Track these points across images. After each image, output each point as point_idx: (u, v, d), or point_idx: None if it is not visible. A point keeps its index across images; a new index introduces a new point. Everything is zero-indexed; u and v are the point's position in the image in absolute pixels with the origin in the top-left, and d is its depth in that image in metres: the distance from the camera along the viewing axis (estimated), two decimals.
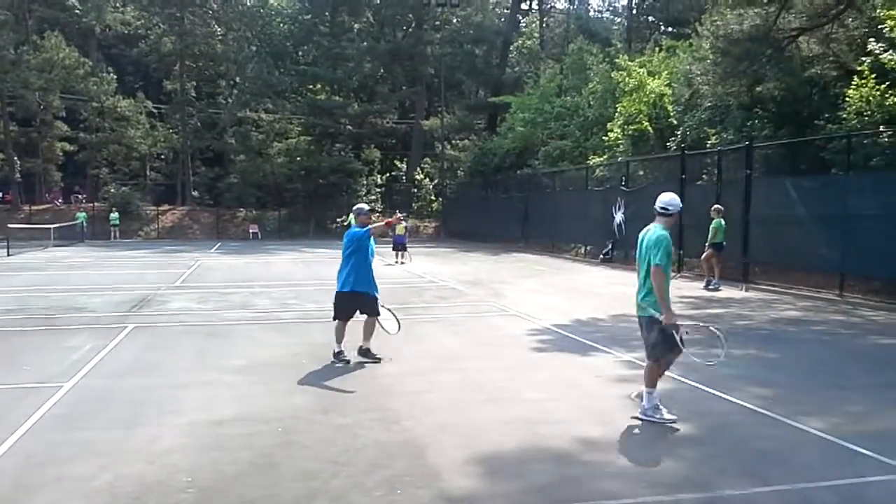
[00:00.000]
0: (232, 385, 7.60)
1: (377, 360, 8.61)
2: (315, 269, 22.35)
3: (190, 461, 5.32)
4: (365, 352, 8.71)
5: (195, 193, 51.09)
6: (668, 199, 6.25)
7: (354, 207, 9.37)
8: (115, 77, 50.29)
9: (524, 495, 4.74)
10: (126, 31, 53.19)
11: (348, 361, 8.54)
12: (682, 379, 7.79)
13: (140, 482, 4.92)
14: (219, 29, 52.75)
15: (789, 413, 6.36)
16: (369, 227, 8.82)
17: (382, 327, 8.93)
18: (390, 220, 9.15)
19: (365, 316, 8.84)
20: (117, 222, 42.29)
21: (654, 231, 6.19)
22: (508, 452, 5.52)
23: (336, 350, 8.67)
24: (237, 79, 52.90)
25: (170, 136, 52.22)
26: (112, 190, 46.19)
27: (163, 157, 54.68)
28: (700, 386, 7.33)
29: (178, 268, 22.17)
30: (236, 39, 52.50)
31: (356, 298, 8.71)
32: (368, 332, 8.79)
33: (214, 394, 7.24)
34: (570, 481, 4.95)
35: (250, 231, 44.06)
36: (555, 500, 4.65)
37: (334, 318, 8.84)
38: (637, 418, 6.23)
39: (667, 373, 8.05)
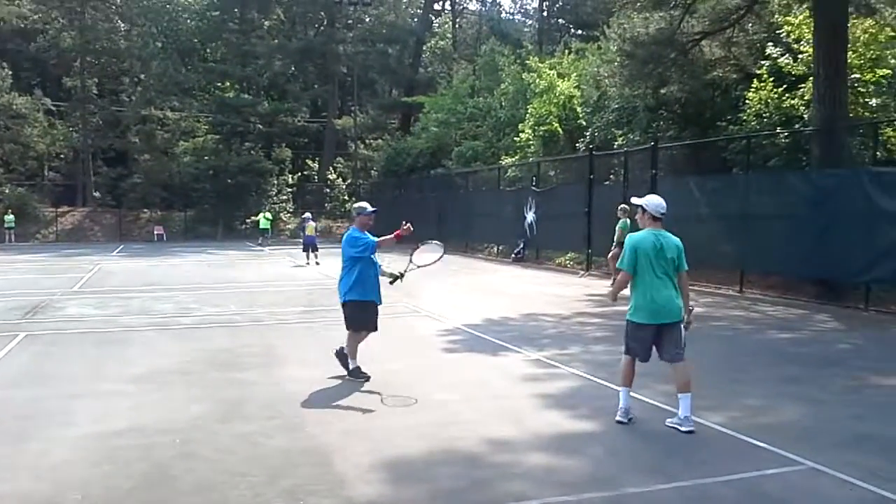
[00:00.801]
0: (128, 394, 7.26)
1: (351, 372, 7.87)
2: (222, 272, 21.83)
3: (81, 476, 5.04)
4: (341, 354, 8.02)
5: (97, 194, 49.16)
6: (663, 203, 6.18)
7: (356, 205, 8.24)
8: (10, 73, 47.80)
9: (431, 500, 4.66)
10: (22, 25, 50.59)
11: (368, 378, 7.77)
12: (589, 376, 7.87)
13: (26, 500, 4.64)
14: (122, 24, 50.90)
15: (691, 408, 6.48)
16: (376, 240, 7.84)
17: (423, 264, 8.09)
18: (399, 232, 7.77)
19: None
20: (13, 225, 40.30)
21: (667, 236, 6.12)
22: (416, 456, 5.43)
23: (352, 366, 7.91)
24: (142, 76, 51.12)
25: (69, 134, 49.98)
26: (7, 191, 43.96)
27: (62, 156, 52.15)
28: (606, 383, 7.41)
29: (77, 272, 21.27)
30: (141, 35, 50.75)
31: (367, 307, 7.94)
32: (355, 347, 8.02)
33: (109, 404, 6.90)
34: (478, 484, 4.89)
35: (155, 233, 42.72)
36: None
37: (347, 328, 8.00)
38: (688, 431, 5.89)
39: (574, 371, 8.16)
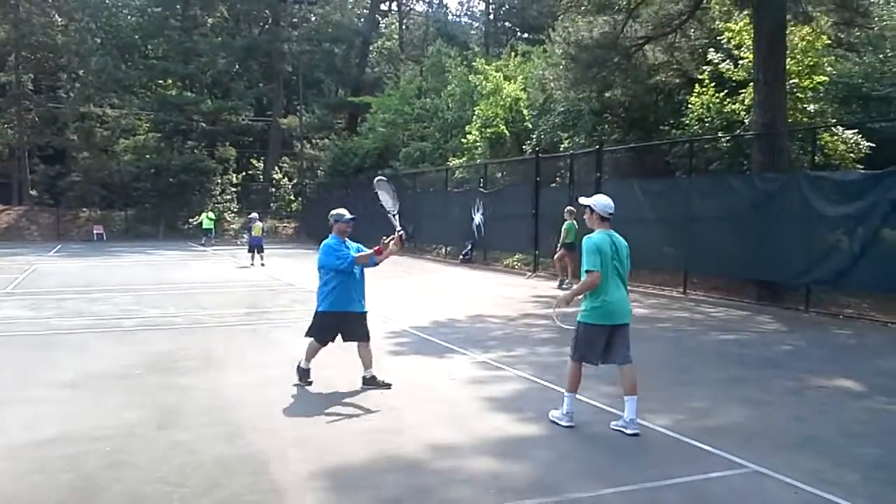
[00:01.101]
0: (58, 401, 6.95)
1: (387, 386, 7.39)
2: (162, 272, 21.29)
3: (4, 489, 4.78)
4: (370, 380, 7.46)
5: (33, 193, 47.64)
6: (611, 203, 6.15)
7: (333, 212, 7.67)
8: None
9: None
10: None
11: (311, 383, 7.54)
12: (535, 379, 7.82)
13: None
14: (59, 19, 49.40)
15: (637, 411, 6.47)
16: (354, 256, 7.36)
17: (395, 206, 7.84)
18: (379, 247, 7.41)
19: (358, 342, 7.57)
20: None
21: (618, 238, 6.13)
22: (358, 464, 5.28)
23: (303, 366, 7.61)
24: (80, 72, 49.68)
25: (4, 131, 48.35)
26: None
27: None
28: (552, 385, 7.37)
29: (10, 273, 20.52)
30: (78, 30, 49.33)
31: (342, 319, 7.44)
32: (367, 359, 7.53)
33: (38, 411, 6.59)
34: (421, 491, 4.78)
35: (95, 232, 41.56)
36: None
37: (308, 336, 7.63)
38: (633, 434, 5.85)
39: (521, 374, 8.11)
